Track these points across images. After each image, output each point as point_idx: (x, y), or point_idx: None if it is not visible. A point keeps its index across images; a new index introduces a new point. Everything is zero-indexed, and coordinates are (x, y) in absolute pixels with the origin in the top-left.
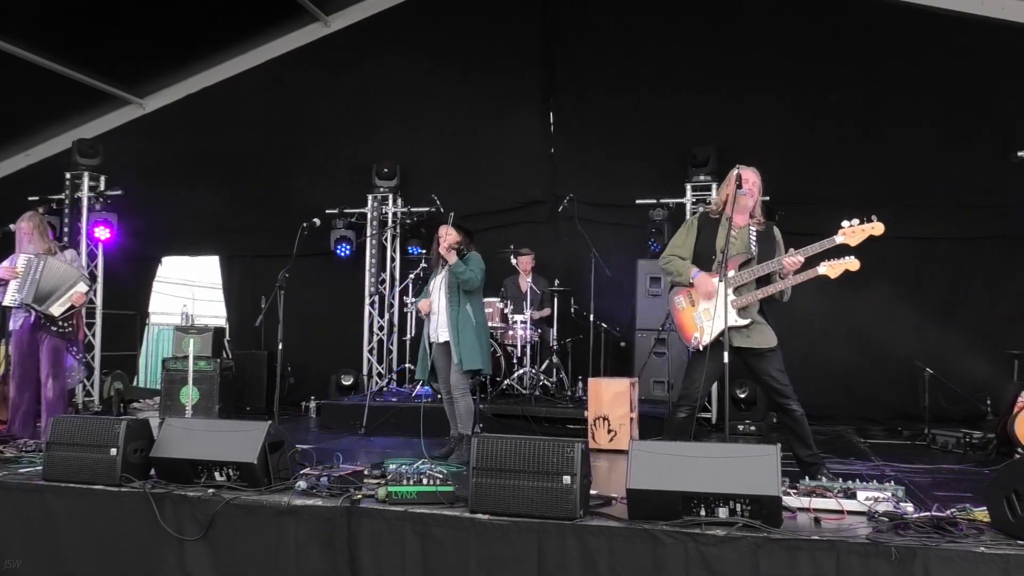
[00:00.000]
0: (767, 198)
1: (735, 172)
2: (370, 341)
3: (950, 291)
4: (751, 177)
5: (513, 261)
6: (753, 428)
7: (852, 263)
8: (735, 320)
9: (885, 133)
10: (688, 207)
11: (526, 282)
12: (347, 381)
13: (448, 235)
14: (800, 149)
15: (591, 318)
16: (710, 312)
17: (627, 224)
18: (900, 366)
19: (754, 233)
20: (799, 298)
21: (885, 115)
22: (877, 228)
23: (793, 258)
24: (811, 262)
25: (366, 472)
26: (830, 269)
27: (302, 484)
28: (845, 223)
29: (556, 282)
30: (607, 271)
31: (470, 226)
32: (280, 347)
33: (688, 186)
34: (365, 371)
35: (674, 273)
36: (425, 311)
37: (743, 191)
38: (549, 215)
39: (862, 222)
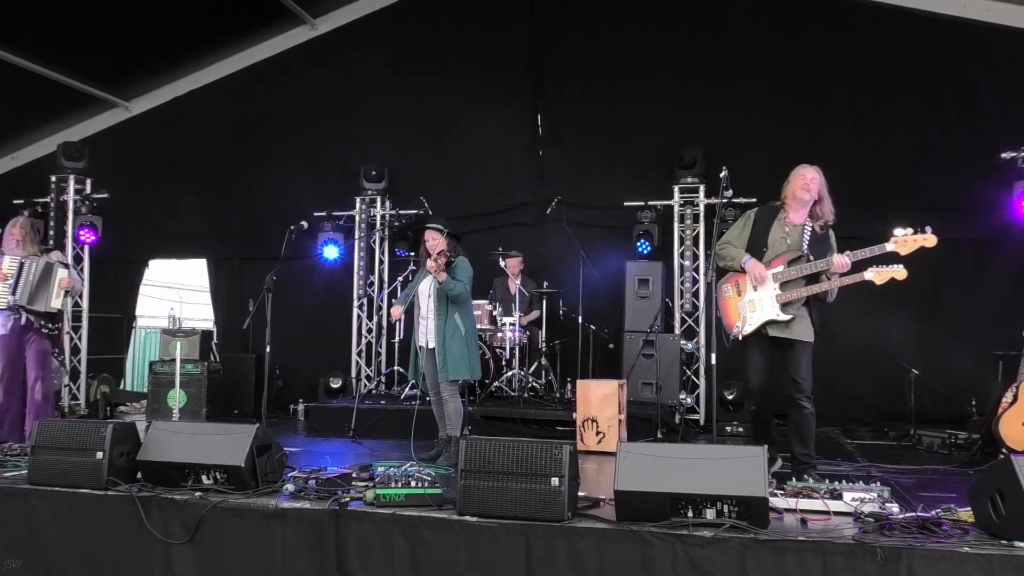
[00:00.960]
0: (754, 199)
1: (723, 175)
2: (358, 344)
3: (934, 291)
4: (807, 174)
5: (502, 263)
6: (741, 429)
7: (899, 272)
8: (777, 314)
9: (869, 135)
10: (676, 209)
11: (515, 284)
12: (335, 384)
13: (435, 240)
14: (787, 151)
15: (579, 320)
16: (754, 303)
17: (615, 226)
18: (886, 367)
19: (808, 232)
20: None
21: (869, 116)
22: (930, 240)
23: (842, 259)
24: (859, 267)
25: (354, 475)
26: (876, 276)
27: (290, 487)
28: (899, 231)
29: (545, 284)
30: (595, 273)
31: (458, 228)
32: (268, 350)
33: (676, 188)
34: (353, 374)
35: (727, 258)
36: (396, 317)
37: (728, 193)
38: (537, 217)
39: (916, 232)
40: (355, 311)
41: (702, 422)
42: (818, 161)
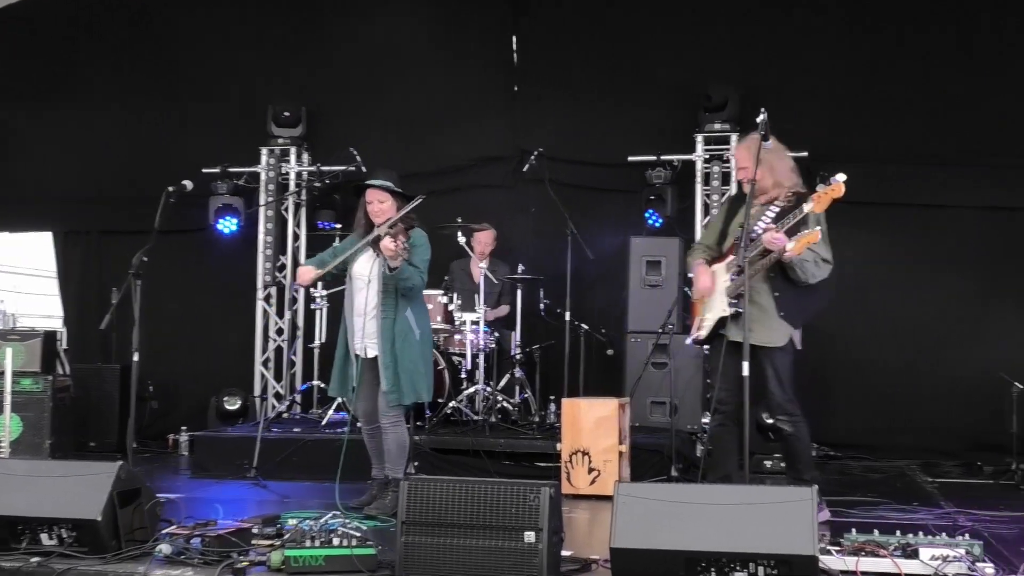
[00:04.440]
0: (804, 153)
1: (761, 119)
2: (265, 350)
3: None
4: (736, 157)
5: (462, 240)
6: (783, 464)
7: (813, 234)
8: (725, 309)
9: (969, 78)
10: (699, 166)
11: (480, 268)
12: (232, 406)
13: (382, 204)
14: (852, 95)
15: (567, 317)
16: (708, 302)
17: (617, 189)
18: (979, 380)
19: (774, 211)
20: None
21: (972, 56)
22: (836, 189)
23: (770, 235)
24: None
25: (255, 530)
26: (796, 245)
27: (165, 548)
28: (820, 186)
29: (520, 268)
30: (589, 253)
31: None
32: (136, 359)
33: (699, 137)
34: (257, 391)
35: (689, 266)
36: (304, 281)
37: (768, 144)
38: (511, 177)
39: (826, 184)
40: (259, 305)
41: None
42: (894, 109)
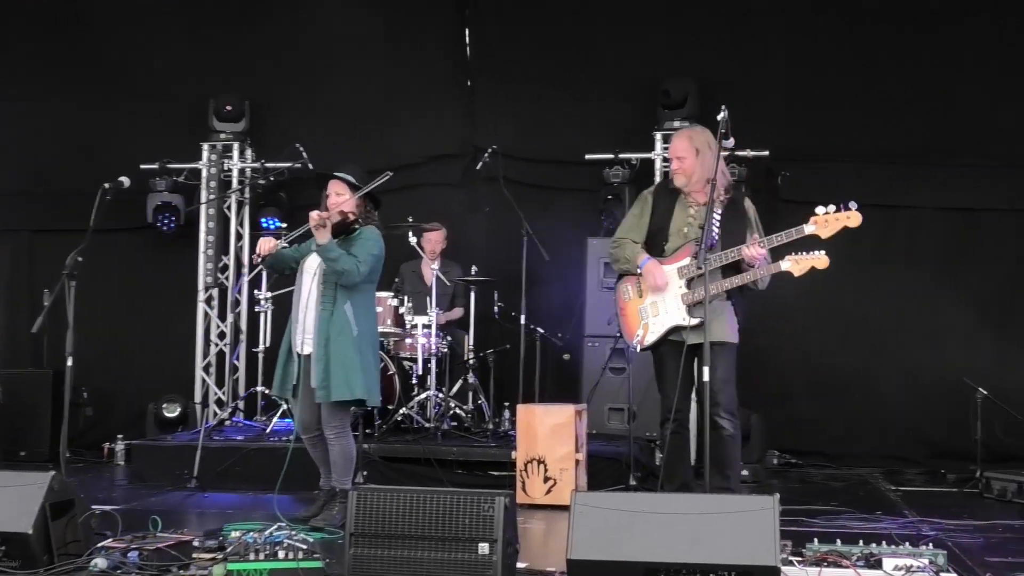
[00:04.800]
0: (765, 152)
1: (722, 117)
2: (206, 354)
3: (1010, 282)
4: (675, 147)
5: (413, 241)
6: (745, 472)
7: (820, 259)
8: (684, 318)
9: (927, 73)
10: (658, 164)
11: (431, 270)
12: (171, 413)
13: (339, 197)
14: (814, 90)
15: (522, 320)
16: (657, 306)
17: (574, 188)
18: (941, 386)
19: (719, 213)
20: (792, 292)
21: (928, 49)
22: (853, 219)
23: (754, 250)
24: (779, 254)
25: (197, 543)
26: (794, 265)
27: (100, 563)
28: (820, 209)
29: (474, 270)
30: (545, 254)
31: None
32: (70, 363)
33: (658, 135)
34: (198, 398)
35: (622, 260)
36: (265, 250)
37: (729, 142)
38: (464, 175)
39: (838, 209)
40: (200, 307)
41: (692, 461)
42: (856, 105)
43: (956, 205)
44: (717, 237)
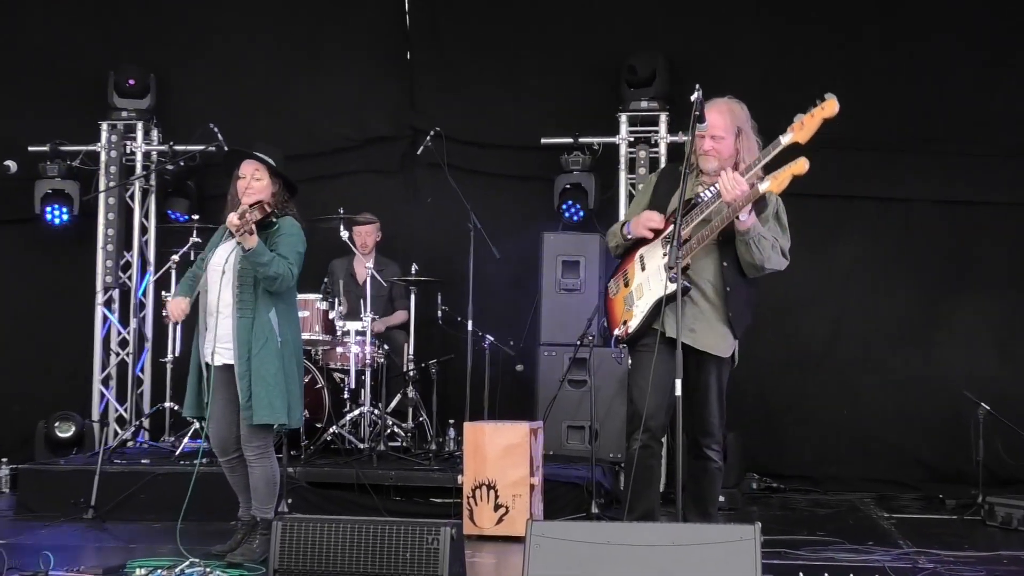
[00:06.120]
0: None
1: (695, 98)
2: (105, 365)
3: (1015, 283)
4: (716, 120)
5: (344, 235)
6: (722, 498)
7: (797, 164)
8: (667, 287)
9: (921, 50)
10: (623, 150)
11: (365, 268)
12: (65, 432)
13: (255, 180)
14: (793, 69)
15: (469, 326)
16: (643, 288)
17: (528, 177)
18: (940, 399)
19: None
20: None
21: (920, 23)
22: (829, 107)
23: (729, 174)
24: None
25: None
26: (773, 181)
27: None
28: (797, 117)
29: (414, 269)
30: (495, 251)
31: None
32: None
33: (623, 117)
34: (96, 415)
35: (611, 239)
36: (176, 317)
37: (703, 125)
38: (403, 161)
39: (813, 106)
40: (99, 311)
41: (661, 486)
42: (839, 87)
43: (954, 198)
44: (705, 198)
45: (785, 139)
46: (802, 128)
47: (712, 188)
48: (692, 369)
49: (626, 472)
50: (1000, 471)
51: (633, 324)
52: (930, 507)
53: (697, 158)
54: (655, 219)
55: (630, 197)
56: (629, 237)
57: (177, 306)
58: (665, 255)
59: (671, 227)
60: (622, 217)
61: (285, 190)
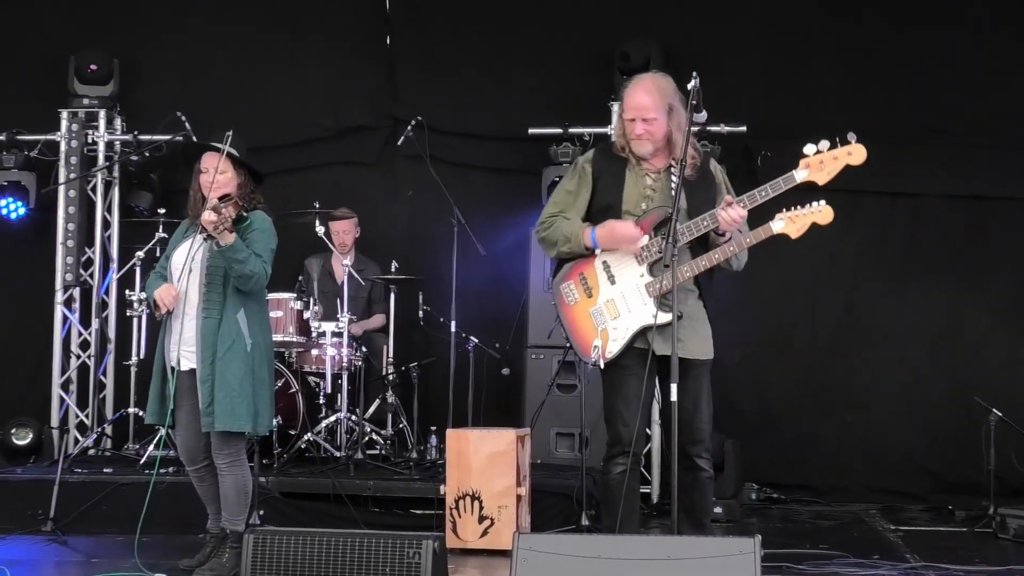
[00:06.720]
0: (742, 128)
1: (692, 86)
2: (65, 369)
3: None
4: (644, 100)
5: (320, 231)
6: (719, 510)
7: (822, 213)
8: (655, 315)
9: (930, 37)
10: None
11: (343, 266)
12: (22, 440)
13: (219, 174)
14: (794, 59)
15: (452, 327)
16: (615, 305)
17: (515, 169)
18: (949, 405)
19: (680, 178)
20: (771, 294)
21: (920, 13)
22: (857, 154)
23: (732, 211)
24: (764, 215)
25: None
26: (790, 224)
27: None
28: (809, 148)
29: (394, 267)
30: (480, 248)
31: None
32: None
33: (615, 107)
34: (56, 421)
35: (559, 241)
36: (171, 303)
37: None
38: (382, 152)
39: (833, 145)
40: (59, 310)
41: (655, 497)
42: (842, 77)
43: (964, 192)
44: (684, 205)
45: (800, 176)
46: (821, 169)
47: (706, 216)
48: (679, 379)
49: (605, 495)
50: (1012, 481)
51: (614, 349)
52: (939, 519)
53: (628, 143)
54: (638, 237)
55: None
56: (597, 251)
57: (168, 292)
58: (643, 275)
59: (644, 238)
60: (548, 207)
61: (251, 180)
